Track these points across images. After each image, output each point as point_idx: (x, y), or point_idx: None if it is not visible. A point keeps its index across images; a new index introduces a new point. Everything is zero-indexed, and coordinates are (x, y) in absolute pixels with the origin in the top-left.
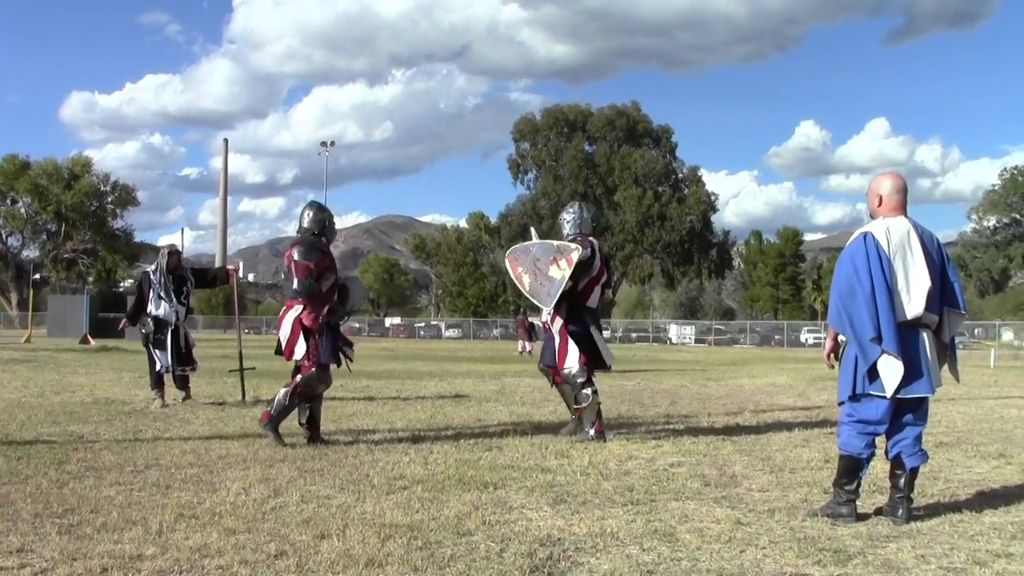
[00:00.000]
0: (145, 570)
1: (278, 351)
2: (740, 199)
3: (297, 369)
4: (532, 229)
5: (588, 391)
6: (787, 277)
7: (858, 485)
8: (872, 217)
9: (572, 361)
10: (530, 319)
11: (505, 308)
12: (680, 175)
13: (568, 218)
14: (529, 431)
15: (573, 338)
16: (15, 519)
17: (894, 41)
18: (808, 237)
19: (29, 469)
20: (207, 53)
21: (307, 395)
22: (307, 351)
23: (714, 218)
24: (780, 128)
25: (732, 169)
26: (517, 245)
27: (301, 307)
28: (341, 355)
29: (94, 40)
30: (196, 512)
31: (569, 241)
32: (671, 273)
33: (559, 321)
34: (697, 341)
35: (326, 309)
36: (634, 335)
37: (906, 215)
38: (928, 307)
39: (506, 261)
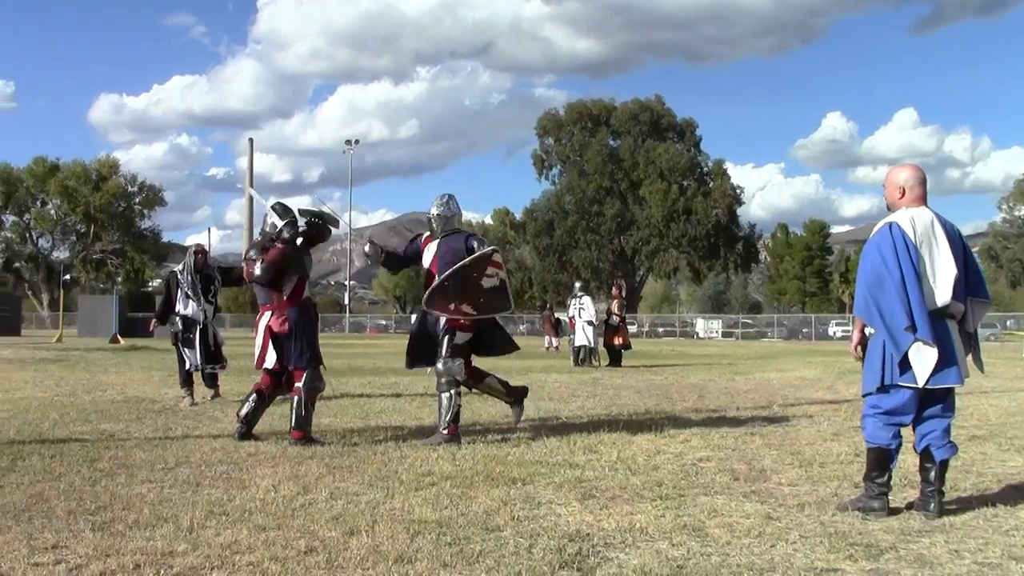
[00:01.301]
0: (177, 566)
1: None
2: (766, 192)
3: (277, 374)
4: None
5: (453, 391)
6: (814, 270)
7: (889, 478)
8: (891, 210)
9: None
10: (557, 315)
11: (531, 304)
12: (705, 169)
13: (437, 212)
14: (557, 427)
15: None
16: (50, 516)
17: (921, 30)
18: (835, 229)
19: (62, 467)
20: (232, 54)
21: (314, 398)
22: (279, 357)
23: (740, 211)
24: (806, 120)
25: (758, 162)
26: (429, 293)
27: (270, 313)
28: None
29: (121, 43)
30: (226, 509)
31: (441, 235)
32: (697, 267)
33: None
34: (724, 335)
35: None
36: (661, 330)
37: (927, 206)
38: (955, 296)
39: (436, 312)
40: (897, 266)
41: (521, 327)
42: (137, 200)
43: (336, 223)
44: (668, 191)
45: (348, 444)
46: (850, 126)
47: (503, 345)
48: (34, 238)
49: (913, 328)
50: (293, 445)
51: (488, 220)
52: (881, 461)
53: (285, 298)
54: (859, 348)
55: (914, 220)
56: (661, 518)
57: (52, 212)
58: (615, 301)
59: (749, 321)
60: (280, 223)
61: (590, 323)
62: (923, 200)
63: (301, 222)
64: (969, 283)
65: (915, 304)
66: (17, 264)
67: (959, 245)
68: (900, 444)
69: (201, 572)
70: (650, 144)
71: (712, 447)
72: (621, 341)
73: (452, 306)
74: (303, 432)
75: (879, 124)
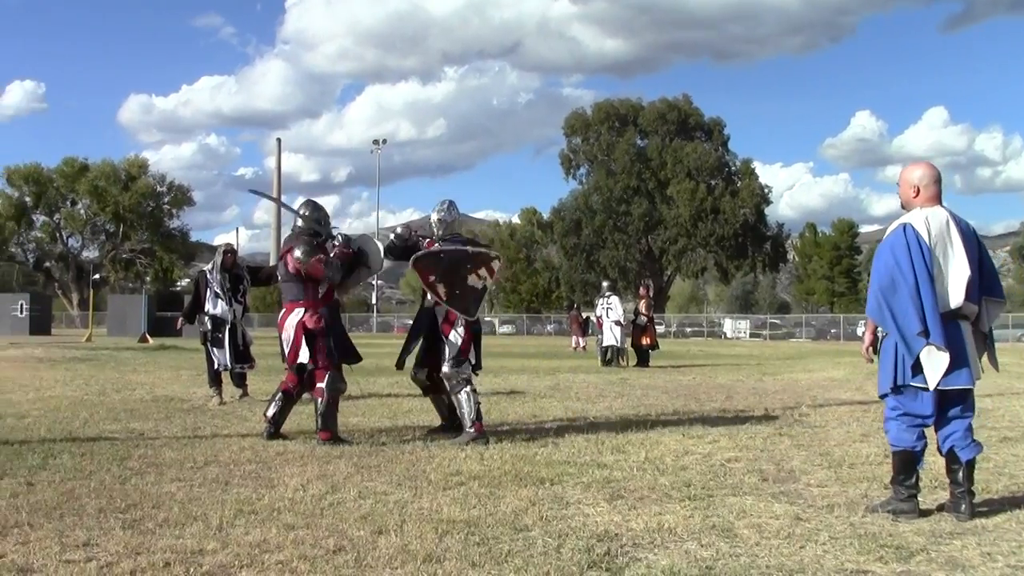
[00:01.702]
0: (207, 564)
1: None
2: (795, 191)
3: (301, 371)
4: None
5: (468, 388)
6: (843, 270)
7: (917, 479)
8: (905, 208)
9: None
10: (584, 314)
11: (559, 304)
12: (733, 168)
13: (438, 217)
14: (585, 427)
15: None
16: (80, 514)
17: (951, 28)
18: (864, 229)
19: (92, 465)
20: (261, 54)
21: (337, 399)
22: (312, 355)
23: (768, 211)
24: (835, 119)
25: (787, 161)
26: (422, 253)
27: (303, 310)
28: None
29: (150, 44)
30: (255, 508)
31: (441, 240)
32: (725, 267)
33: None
34: (752, 335)
35: (324, 309)
36: (688, 330)
37: (942, 205)
38: (968, 297)
39: (413, 269)
40: (911, 269)
41: (548, 327)
42: (166, 200)
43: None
44: (696, 190)
45: (376, 444)
46: (879, 125)
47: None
48: (64, 238)
49: (926, 333)
50: (321, 445)
51: (515, 220)
52: (907, 464)
53: (320, 297)
54: (870, 350)
55: (928, 220)
56: (690, 518)
57: (82, 212)
58: (643, 301)
59: (777, 321)
60: (341, 233)
61: (618, 323)
62: (938, 199)
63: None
64: (983, 283)
65: (928, 308)
66: (47, 264)
67: (974, 244)
68: (925, 445)
69: (230, 570)
70: (678, 143)
71: (740, 448)
72: (649, 341)
73: (432, 278)
74: (330, 432)
75: (909, 123)
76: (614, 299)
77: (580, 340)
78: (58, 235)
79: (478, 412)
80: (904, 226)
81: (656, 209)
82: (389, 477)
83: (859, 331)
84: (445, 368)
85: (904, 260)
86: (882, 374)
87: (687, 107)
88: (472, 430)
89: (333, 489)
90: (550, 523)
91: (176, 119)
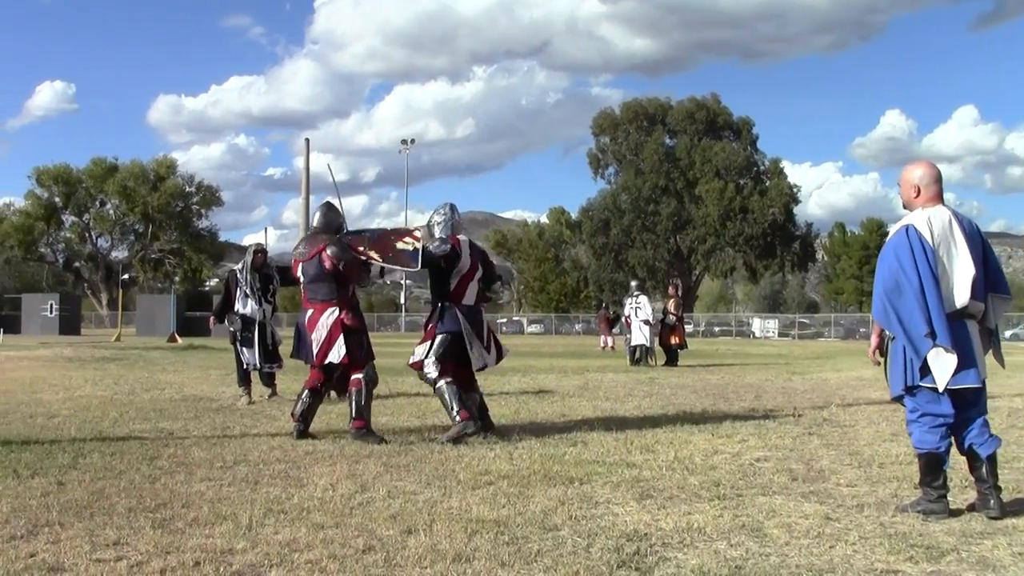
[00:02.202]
0: (236, 564)
1: (296, 355)
2: (824, 190)
3: (328, 370)
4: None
5: (442, 382)
6: (872, 269)
7: (945, 480)
8: (907, 209)
9: (427, 360)
10: (614, 312)
11: (587, 303)
12: (761, 167)
13: (439, 220)
14: (613, 426)
15: (437, 337)
16: (110, 513)
17: (981, 26)
18: (893, 228)
19: (122, 464)
20: (290, 54)
21: (372, 390)
22: (348, 350)
23: (797, 210)
24: (864, 118)
25: (816, 160)
26: (345, 233)
27: (337, 309)
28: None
29: (179, 44)
30: (285, 507)
31: (438, 242)
32: (753, 266)
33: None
34: (781, 335)
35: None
36: (717, 329)
37: (944, 204)
38: (973, 295)
39: (339, 243)
40: (915, 270)
41: (577, 326)
42: (195, 200)
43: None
44: (724, 190)
45: (405, 443)
46: (909, 124)
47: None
48: (93, 238)
49: (932, 334)
50: (355, 435)
51: (544, 219)
52: (933, 465)
53: (349, 296)
54: (877, 352)
55: (931, 221)
56: (719, 518)
57: (111, 212)
58: (672, 300)
59: (806, 321)
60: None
61: (646, 322)
62: (939, 198)
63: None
64: (989, 279)
65: (933, 309)
66: (77, 264)
67: (978, 242)
68: (950, 445)
69: (260, 570)
70: (706, 143)
71: (770, 447)
72: (677, 340)
73: (360, 247)
74: (363, 421)
75: (939, 121)
76: (643, 298)
77: (608, 339)
78: (87, 235)
79: (460, 399)
80: (906, 227)
81: (684, 208)
82: (418, 476)
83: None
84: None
85: (907, 262)
86: (893, 377)
87: (716, 106)
88: (459, 418)
89: (362, 488)
90: (579, 522)
91: (205, 119)
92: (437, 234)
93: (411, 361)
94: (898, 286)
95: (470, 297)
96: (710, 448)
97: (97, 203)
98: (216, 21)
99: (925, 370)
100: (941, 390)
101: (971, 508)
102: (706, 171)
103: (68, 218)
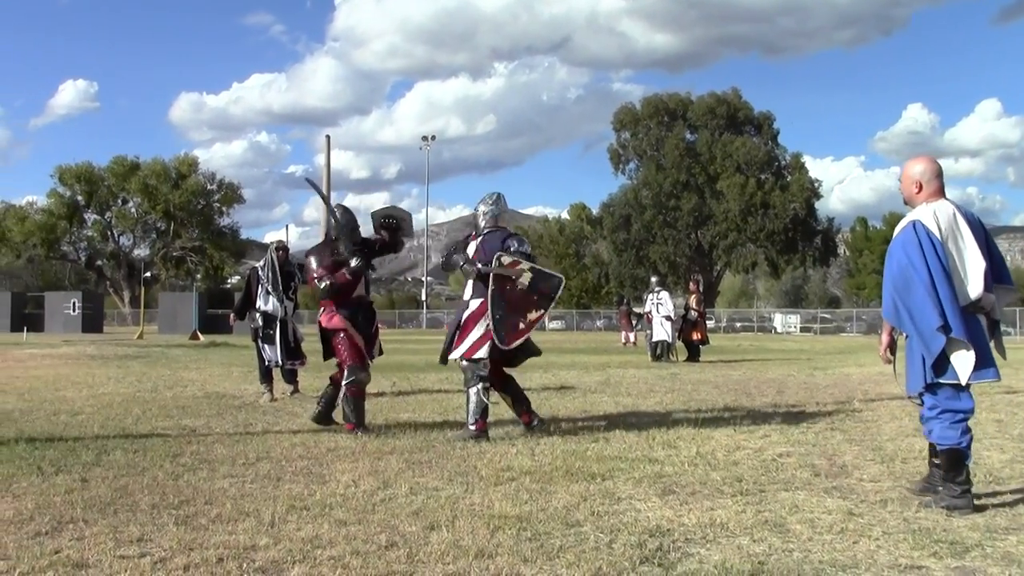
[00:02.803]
0: (259, 560)
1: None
2: (845, 185)
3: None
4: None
5: (478, 387)
6: None
7: (968, 475)
8: (909, 204)
9: (462, 350)
10: (634, 309)
11: (608, 299)
12: (783, 162)
13: (485, 209)
14: (635, 422)
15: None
16: (134, 510)
17: (1005, 19)
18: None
19: (145, 462)
20: (311, 52)
21: (359, 392)
22: (331, 352)
23: (818, 205)
24: (886, 112)
25: (837, 155)
26: (498, 333)
27: (322, 308)
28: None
29: (201, 42)
30: (307, 504)
31: (486, 233)
32: (775, 261)
33: (472, 308)
34: (802, 330)
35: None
36: (738, 324)
37: (947, 198)
38: (986, 288)
39: (516, 341)
40: (924, 265)
41: (598, 323)
42: (216, 198)
43: (410, 232)
44: (745, 185)
45: (427, 440)
46: (931, 118)
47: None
48: (115, 236)
49: (946, 328)
50: (349, 432)
51: (564, 215)
52: (956, 460)
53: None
54: (888, 351)
55: (937, 215)
56: (742, 514)
57: (133, 210)
58: (693, 296)
59: (828, 316)
60: (348, 254)
61: (668, 318)
62: (941, 193)
63: (373, 235)
64: (994, 270)
65: (946, 302)
66: (99, 262)
67: (981, 234)
68: (971, 439)
69: (283, 566)
70: (727, 138)
71: (792, 442)
72: (699, 336)
73: (521, 325)
74: (352, 424)
75: (961, 115)
76: (664, 294)
77: (630, 335)
78: (109, 233)
79: (483, 412)
80: (913, 223)
81: (706, 204)
82: (440, 473)
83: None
84: (462, 361)
85: (917, 257)
86: (911, 374)
87: (736, 101)
88: (473, 428)
89: (384, 485)
90: (602, 518)
91: (227, 117)
92: (482, 224)
93: (459, 353)
94: (908, 282)
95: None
96: (732, 444)
97: (119, 201)
98: (237, 19)
99: (940, 367)
100: (964, 384)
101: (996, 505)
102: (727, 166)
103: (90, 216)
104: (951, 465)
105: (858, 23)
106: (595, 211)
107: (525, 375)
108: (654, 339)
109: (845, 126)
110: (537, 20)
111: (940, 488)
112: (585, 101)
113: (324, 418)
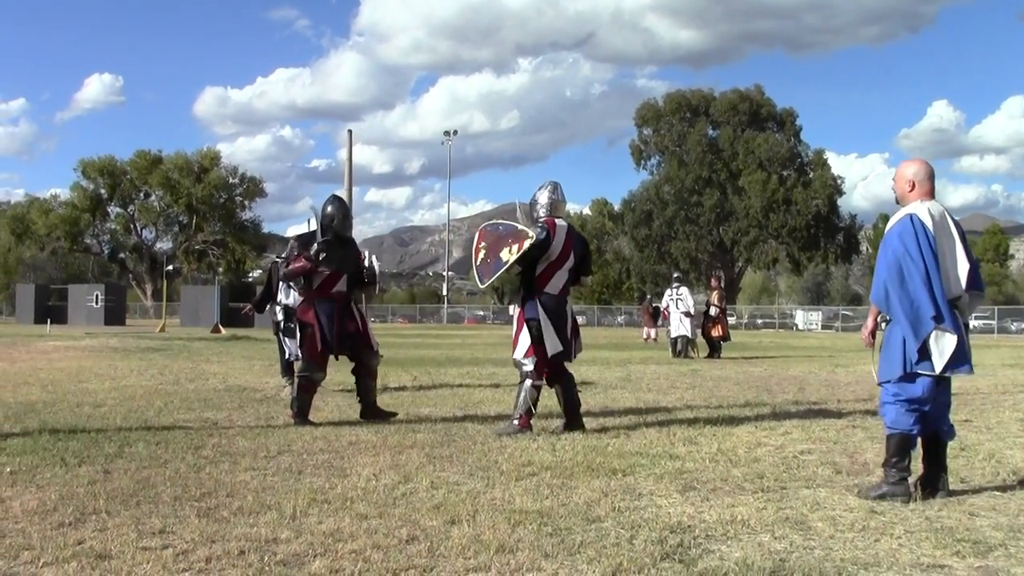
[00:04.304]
0: (281, 553)
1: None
2: (869, 182)
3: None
4: (518, 204)
5: (528, 383)
6: None
7: (909, 462)
8: (900, 203)
9: (520, 350)
10: (654, 305)
11: (629, 295)
12: (805, 159)
13: (543, 200)
14: (656, 418)
15: (526, 326)
16: (156, 502)
17: None
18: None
19: (167, 454)
20: (335, 46)
21: (307, 387)
22: (299, 342)
23: (841, 202)
24: (911, 110)
25: (861, 152)
26: (493, 221)
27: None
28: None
29: (226, 37)
30: (328, 497)
31: (538, 228)
32: (797, 258)
33: (516, 308)
34: (824, 327)
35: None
36: (760, 321)
37: (936, 199)
38: (967, 287)
39: (476, 232)
40: (920, 256)
41: (619, 318)
42: (238, 191)
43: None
44: (767, 181)
45: (448, 434)
46: (956, 115)
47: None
48: (138, 229)
49: (939, 317)
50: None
51: (586, 211)
52: (903, 447)
53: (314, 289)
54: (871, 336)
55: (931, 211)
56: (763, 510)
57: (155, 204)
58: (715, 292)
59: (849, 313)
60: (319, 247)
61: (687, 314)
62: (932, 194)
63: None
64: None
65: (938, 294)
66: (122, 255)
67: (962, 236)
68: (920, 430)
69: (304, 559)
70: (749, 134)
71: (813, 439)
72: (720, 333)
73: (482, 243)
74: (294, 412)
75: (987, 112)
76: (683, 290)
77: (651, 331)
78: (132, 227)
79: (528, 408)
80: (910, 216)
81: (727, 200)
82: (461, 467)
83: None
84: (515, 355)
85: (913, 247)
86: (886, 361)
87: (759, 97)
88: (516, 422)
89: (405, 479)
90: (623, 514)
91: (251, 111)
92: (541, 214)
93: (516, 356)
94: (903, 270)
95: (555, 285)
96: (753, 440)
97: (142, 195)
98: (262, 13)
99: (923, 355)
100: (938, 373)
101: (918, 487)
102: (749, 162)
103: (113, 210)
104: (898, 450)
105: (885, 20)
106: (617, 207)
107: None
108: (673, 335)
109: (870, 123)
110: (562, 16)
111: (881, 474)
112: (609, 97)
113: (370, 411)
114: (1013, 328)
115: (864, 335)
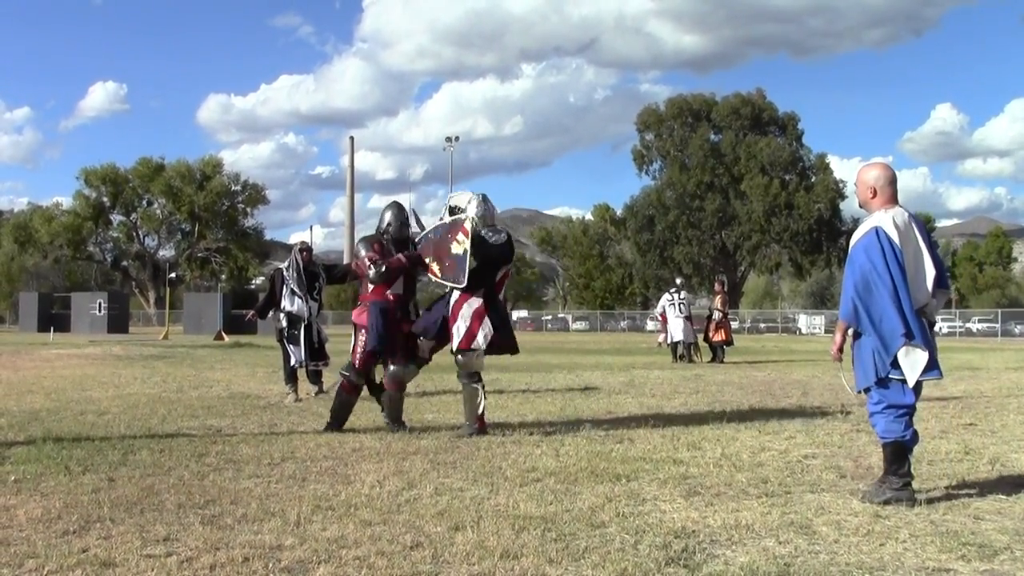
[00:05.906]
0: (285, 560)
1: None
2: None
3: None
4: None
5: (477, 385)
6: None
7: (909, 467)
8: (864, 208)
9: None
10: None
11: (632, 300)
12: (807, 163)
13: (472, 212)
14: (660, 423)
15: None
16: (160, 509)
17: None
18: (942, 223)
19: (171, 461)
20: (339, 53)
21: (347, 388)
22: (353, 346)
23: (843, 206)
24: (915, 113)
25: (865, 155)
26: (419, 236)
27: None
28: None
29: (229, 44)
30: (332, 504)
31: (492, 232)
32: (799, 262)
33: (476, 302)
34: (827, 331)
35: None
36: (763, 325)
37: (900, 204)
38: (933, 293)
39: (423, 257)
40: (887, 271)
41: (622, 323)
42: (240, 199)
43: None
44: (770, 186)
45: (452, 440)
46: (960, 118)
47: (504, 345)
48: (141, 237)
49: (909, 334)
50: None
51: (589, 216)
52: (900, 454)
53: (370, 292)
54: (839, 352)
55: (896, 221)
56: (767, 515)
57: (158, 211)
58: (718, 297)
59: None
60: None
61: (687, 318)
62: (895, 199)
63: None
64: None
65: (907, 308)
66: (125, 263)
67: (926, 239)
68: (915, 433)
69: (309, 566)
70: (751, 138)
71: (817, 444)
72: (723, 337)
73: (428, 259)
74: (329, 422)
75: (990, 115)
76: (684, 294)
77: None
78: (135, 234)
79: (482, 409)
80: (875, 229)
81: (730, 204)
82: (465, 473)
83: (936, 327)
84: (458, 356)
85: (879, 262)
86: (860, 371)
87: (761, 102)
88: (476, 424)
89: (409, 485)
90: (627, 519)
91: (254, 118)
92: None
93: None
94: (870, 286)
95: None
96: (757, 445)
97: (144, 202)
98: (266, 20)
99: (894, 365)
100: (911, 385)
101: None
102: (751, 167)
103: (116, 217)
104: (895, 458)
105: (888, 23)
106: (619, 212)
107: (549, 376)
108: (672, 340)
109: (873, 126)
110: (566, 21)
111: (883, 481)
112: (613, 102)
113: (395, 418)
114: (1017, 331)
115: (833, 351)
